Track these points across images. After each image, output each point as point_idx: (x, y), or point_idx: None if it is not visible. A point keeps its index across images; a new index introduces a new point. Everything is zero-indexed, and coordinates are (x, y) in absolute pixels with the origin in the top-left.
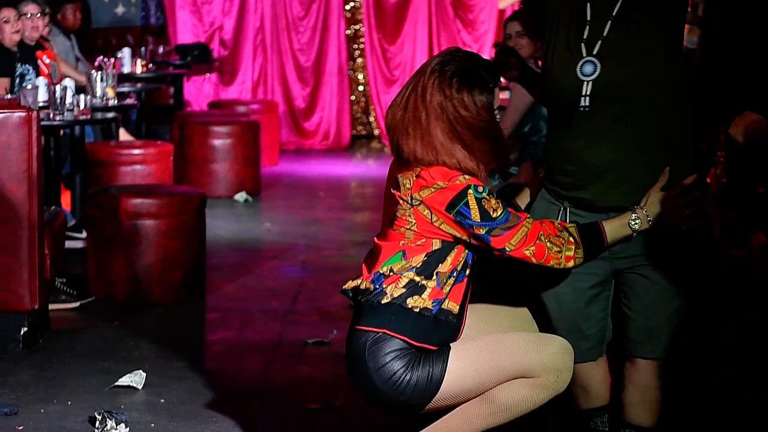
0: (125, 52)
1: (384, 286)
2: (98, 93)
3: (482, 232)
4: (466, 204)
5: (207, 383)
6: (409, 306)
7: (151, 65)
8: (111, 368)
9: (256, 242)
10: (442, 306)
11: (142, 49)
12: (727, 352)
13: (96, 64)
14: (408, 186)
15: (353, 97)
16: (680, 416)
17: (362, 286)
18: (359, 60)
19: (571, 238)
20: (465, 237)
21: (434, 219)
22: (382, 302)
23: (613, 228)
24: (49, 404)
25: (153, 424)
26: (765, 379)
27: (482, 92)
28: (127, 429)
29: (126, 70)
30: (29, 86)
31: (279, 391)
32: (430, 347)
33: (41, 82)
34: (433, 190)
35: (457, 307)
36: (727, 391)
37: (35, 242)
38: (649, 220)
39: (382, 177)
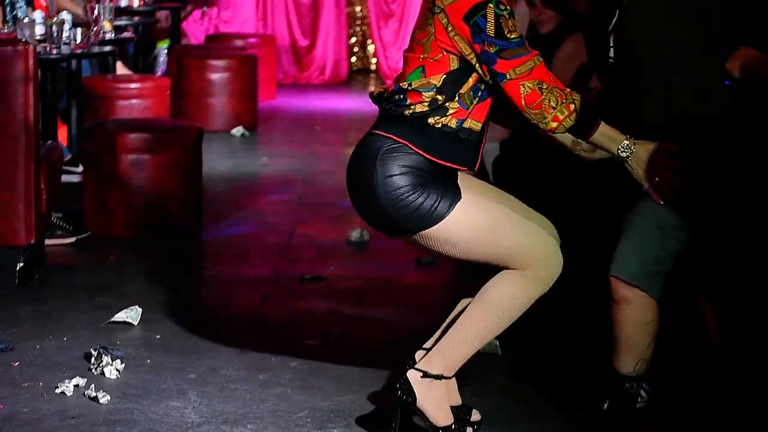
0: None
1: (408, 99)
2: None
3: (492, 50)
4: (484, 16)
5: (203, 318)
6: (431, 123)
7: None
8: (107, 304)
9: (253, 177)
10: (464, 125)
11: None
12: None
13: None
14: None
15: (351, 31)
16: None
17: (386, 93)
18: None
19: (572, 105)
20: (473, 56)
21: (450, 29)
22: (405, 113)
23: (605, 134)
24: (44, 340)
25: (149, 360)
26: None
27: None
28: (123, 365)
29: (123, 3)
30: (26, 19)
31: (275, 327)
32: (444, 163)
33: (38, 15)
34: None
35: (479, 126)
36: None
37: (31, 177)
38: (631, 154)
39: None
